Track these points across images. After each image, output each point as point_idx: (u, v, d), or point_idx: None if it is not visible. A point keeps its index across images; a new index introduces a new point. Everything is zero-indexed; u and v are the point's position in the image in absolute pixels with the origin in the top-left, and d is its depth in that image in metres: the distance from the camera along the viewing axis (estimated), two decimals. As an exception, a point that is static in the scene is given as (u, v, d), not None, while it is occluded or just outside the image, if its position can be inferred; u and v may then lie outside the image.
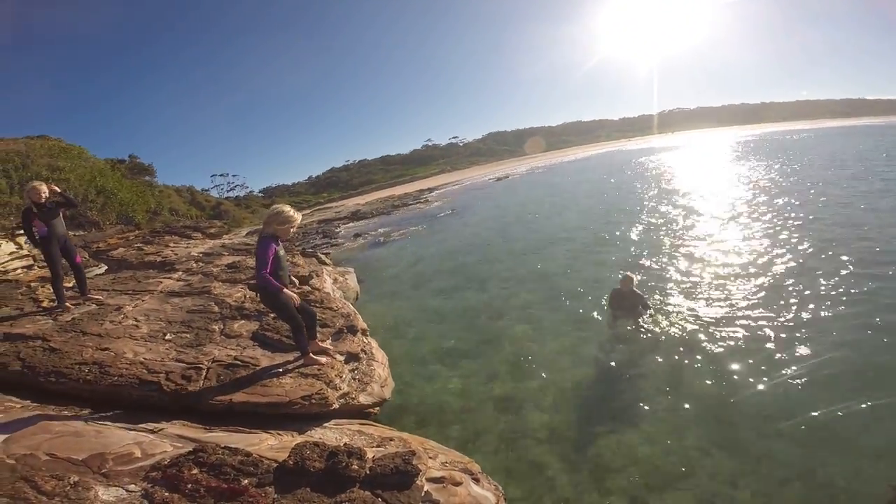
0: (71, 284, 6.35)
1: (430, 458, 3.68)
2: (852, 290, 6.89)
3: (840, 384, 4.79)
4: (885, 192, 13.83)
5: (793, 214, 12.21)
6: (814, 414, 4.41)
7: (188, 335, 5.17)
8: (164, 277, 7.75)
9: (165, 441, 3.21)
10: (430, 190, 39.40)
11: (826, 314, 6.32)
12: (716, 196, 17.06)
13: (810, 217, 11.66)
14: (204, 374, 4.30)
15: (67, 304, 5.80)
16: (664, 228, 12.88)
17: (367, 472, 3.09)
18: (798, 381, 4.97)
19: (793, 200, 14.13)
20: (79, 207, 9.91)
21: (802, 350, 5.49)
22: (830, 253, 8.67)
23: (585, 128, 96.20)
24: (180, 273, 8.10)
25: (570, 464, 4.22)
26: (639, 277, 7.20)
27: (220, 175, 61.87)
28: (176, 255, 9.85)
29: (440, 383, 5.88)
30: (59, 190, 5.77)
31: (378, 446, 3.89)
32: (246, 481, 2.86)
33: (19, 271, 7.84)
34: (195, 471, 2.85)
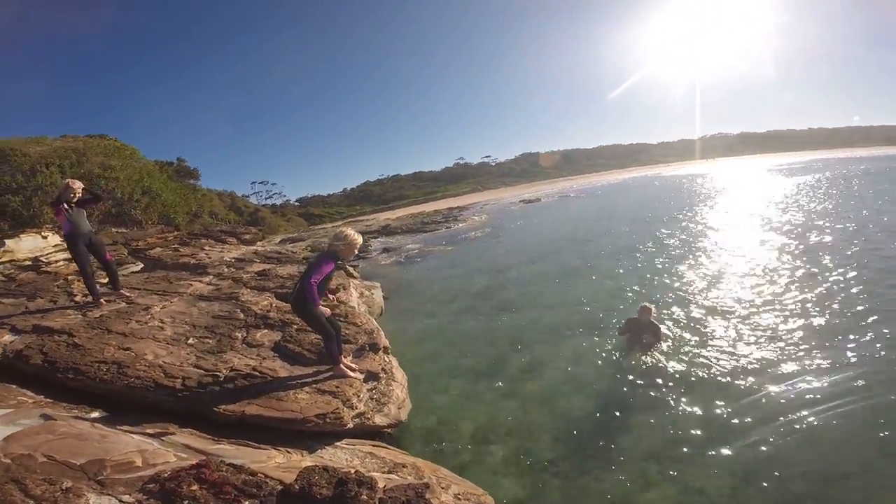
0: (105, 281, 6.49)
1: (443, 488, 3.49)
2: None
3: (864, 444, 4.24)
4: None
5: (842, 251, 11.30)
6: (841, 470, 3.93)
7: (210, 341, 5.12)
8: (196, 280, 7.86)
9: (170, 451, 3.08)
10: (461, 209, 39.41)
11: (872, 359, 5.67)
12: (752, 226, 16.17)
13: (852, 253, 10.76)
14: (220, 382, 4.20)
15: (102, 300, 5.88)
16: (692, 259, 12.24)
17: (377, 503, 2.86)
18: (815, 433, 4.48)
19: (851, 236, 13.13)
20: (104, 201, 9.95)
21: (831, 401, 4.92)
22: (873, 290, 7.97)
23: (623, 151, 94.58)
24: (211, 277, 8.20)
25: (587, 500, 3.93)
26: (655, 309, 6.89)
27: (261, 182, 64.47)
28: (209, 258, 10.04)
29: (457, 406, 5.63)
30: (82, 185, 5.79)
31: (389, 472, 3.71)
32: (247, 503, 2.68)
33: (60, 264, 8.14)
34: (195, 487, 2.69)
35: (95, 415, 3.46)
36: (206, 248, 11.68)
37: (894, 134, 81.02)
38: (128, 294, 6.33)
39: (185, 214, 16.58)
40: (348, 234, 4.26)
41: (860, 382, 5.20)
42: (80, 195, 5.71)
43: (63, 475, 2.40)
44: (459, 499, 3.41)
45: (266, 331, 5.61)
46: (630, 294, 9.40)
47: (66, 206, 5.50)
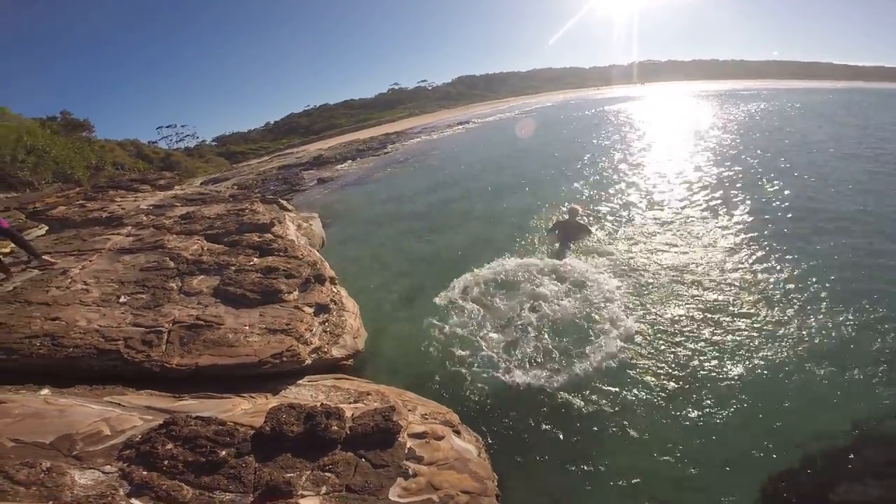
0: (8, 250, 5.82)
1: (409, 410, 3.70)
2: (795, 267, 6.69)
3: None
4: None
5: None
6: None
7: (144, 296, 4.89)
8: (112, 234, 7.22)
9: (134, 414, 3.09)
10: (397, 134, 37.74)
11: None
12: (674, 140, 17.77)
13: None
14: (166, 337, 4.12)
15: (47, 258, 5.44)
16: (616, 173, 13.25)
17: (348, 432, 3.08)
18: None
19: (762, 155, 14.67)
20: None
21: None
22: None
23: (557, 75, 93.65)
24: (129, 228, 7.57)
25: (538, 410, 4.28)
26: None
27: (168, 126, 57.27)
28: (123, 209, 9.13)
29: (414, 329, 5.74)
30: None
31: (356, 402, 3.88)
32: (224, 452, 2.79)
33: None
34: (170, 445, 2.76)
35: (45, 392, 3.33)
36: (118, 199, 10.53)
37: (798, 70, 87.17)
38: (52, 260, 5.76)
39: (85, 168, 15.43)
40: None
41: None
42: None
43: (38, 456, 2.37)
44: (426, 419, 3.63)
45: (202, 276, 5.42)
46: (561, 204, 10.01)
47: None
